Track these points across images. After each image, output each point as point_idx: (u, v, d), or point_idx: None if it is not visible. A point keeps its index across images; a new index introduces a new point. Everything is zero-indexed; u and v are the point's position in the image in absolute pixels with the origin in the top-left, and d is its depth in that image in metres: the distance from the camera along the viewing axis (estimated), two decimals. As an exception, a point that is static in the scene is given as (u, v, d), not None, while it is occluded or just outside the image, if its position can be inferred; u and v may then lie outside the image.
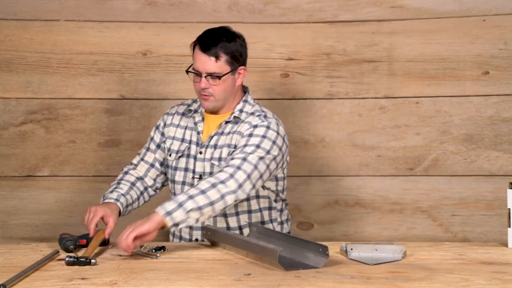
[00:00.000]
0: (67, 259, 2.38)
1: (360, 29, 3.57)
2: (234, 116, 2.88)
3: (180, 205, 2.55)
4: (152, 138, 3.04)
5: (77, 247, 2.59)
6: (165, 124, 3.01)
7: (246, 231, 2.86)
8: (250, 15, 3.56)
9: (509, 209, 2.66)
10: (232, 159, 2.71)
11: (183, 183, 2.91)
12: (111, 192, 2.87)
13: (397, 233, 3.59)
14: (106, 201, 2.83)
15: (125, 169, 3.02)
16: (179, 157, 2.92)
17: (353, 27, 3.57)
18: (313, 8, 3.57)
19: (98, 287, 2.14)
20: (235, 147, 2.83)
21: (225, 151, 2.86)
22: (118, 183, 2.92)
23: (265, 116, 2.86)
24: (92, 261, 2.38)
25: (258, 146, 2.75)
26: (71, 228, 3.43)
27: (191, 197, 2.57)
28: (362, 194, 3.60)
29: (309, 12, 3.57)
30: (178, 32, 3.58)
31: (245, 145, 2.75)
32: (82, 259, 2.37)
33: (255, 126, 2.81)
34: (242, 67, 2.88)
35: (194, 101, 3.01)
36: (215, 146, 2.88)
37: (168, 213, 2.53)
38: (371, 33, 3.57)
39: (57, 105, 3.58)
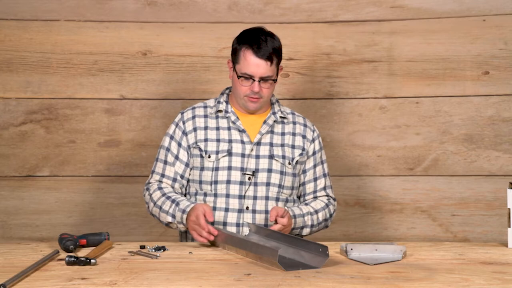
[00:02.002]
0: (67, 259, 2.37)
1: (360, 29, 3.57)
2: (280, 117, 2.94)
3: (303, 215, 2.87)
4: (168, 150, 2.92)
5: (77, 247, 2.59)
6: (184, 133, 2.92)
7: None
8: (250, 15, 3.56)
9: (509, 209, 2.66)
10: (316, 197, 3.00)
11: (228, 181, 2.86)
12: (181, 202, 2.79)
13: (397, 233, 3.59)
14: (192, 206, 2.74)
15: (156, 185, 2.89)
16: (222, 156, 2.88)
17: (353, 27, 3.57)
18: (313, 8, 3.57)
19: (98, 287, 2.14)
20: (293, 146, 2.93)
21: (286, 150, 2.92)
22: (169, 197, 2.83)
23: (304, 118, 3.03)
24: (92, 261, 2.38)
25: (325, 175, 3.02)
26: (71, 228, 3.44)
27: (311, 214, 2.90)
28: (362, 194, 3.60)
29: (309, 12, 3.57)
30: (178, 32, 3.58)
31: (321, 176, 3.01)
32: (82, 259, 2.37)
33: (313, 141, 2.99)
34: (280, 65, 2.92)
35: (218, 101, 2.95)
36: (271, 144, 2.90)
37: (294, 217, 2.82)
38: (371, 33, 3.57)
39: (57, 105, 3.58)
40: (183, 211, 2.76)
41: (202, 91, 3.57)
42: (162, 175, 2.91)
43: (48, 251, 2.53)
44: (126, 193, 3.58)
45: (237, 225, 2.84)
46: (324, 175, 3.01)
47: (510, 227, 2.66)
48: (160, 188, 2.87)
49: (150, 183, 2.92)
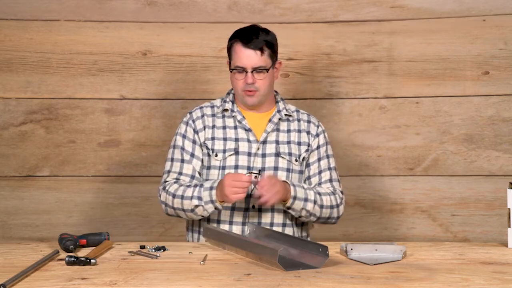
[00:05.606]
0: (67, 259, 2.38)
1: (360, 29, 3.57)
2: (285, 114, 2.95)
3: (304, 188, 2.84)
4: (183, 149, 2.89)
5: (77, 247, 2.59)
6: (195, 131, 2.91)
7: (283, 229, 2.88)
8: (250, 15, 3.56)
9: (509, 209, 2.66)
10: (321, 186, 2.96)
11: None
12: (204, 183, 2.79)
13: (397, 233, 3.59)
14: (218, 180, 2.76)
15: (172, 181, 2.86)
16: (229, 155, 2.87)
17: (353, 27, 3.57)
18: (313, 8, 3.57)
19: (98, 287, 2.14)
20: (299, 143, 2.93)
21: (293, 147, 2.91)
22: (189, 186, 2.81)
23: (308, 114, 3.02)
24: (92, 261, 2.38)
25: (330, 169, 2.98)
26: (71, 228, 3.44)
27: (315, 192, 2.85)
28: (362, 194, 3.60)
29: (309, 12, 3.57)
30: (178, 32, 3.58)
31: (326, 169, 2.97)
32: (82, 259, 2.37)
33: (317, 135, 2.97)
34: (278, 61, 2.92)
35: (224, 101, 2.95)
36: (277, 142, 2.90)
37: (292, 185, 2.81)
38: (371, 33, 3.57)
39: (57, 105, 3.58)
40: (211, 188, 2.75)
41: (202, 91, 3.57)
42: (180, 173, 2.88)
43: (48, 251, 2.54)
44: (126, 193, 3.58)
45: (243, 224, 2.84)
46: (330, 169, 2.97)
47: (510, 227, 2.66)
48: (176, 182, 2.85)
49: (167, 181, 2.89)
